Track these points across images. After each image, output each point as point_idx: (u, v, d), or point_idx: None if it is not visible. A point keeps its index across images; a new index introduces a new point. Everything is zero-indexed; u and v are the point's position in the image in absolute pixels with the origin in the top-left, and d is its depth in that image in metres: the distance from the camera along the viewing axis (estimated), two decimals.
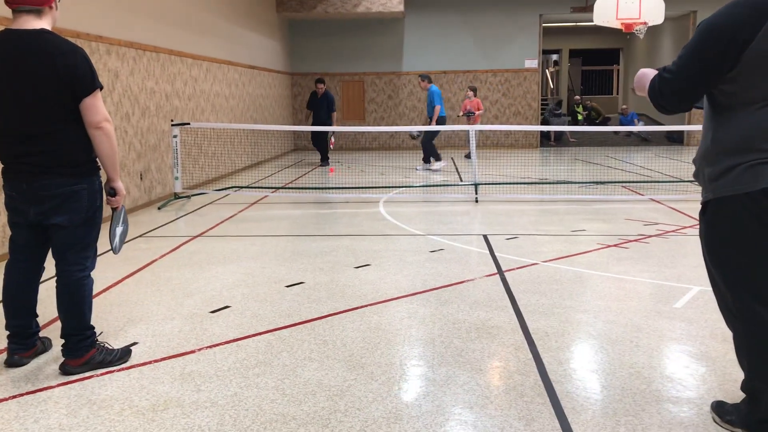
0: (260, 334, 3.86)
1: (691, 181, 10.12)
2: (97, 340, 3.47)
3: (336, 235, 6.71)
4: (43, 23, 3.19)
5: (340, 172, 12.51)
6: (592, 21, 12.05)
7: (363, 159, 15.19)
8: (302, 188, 10.31)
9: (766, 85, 2.22)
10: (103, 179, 3.39)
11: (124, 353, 3.50)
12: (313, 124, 13.79)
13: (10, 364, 3.40)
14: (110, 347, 3.51)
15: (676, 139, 18.03)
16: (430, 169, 12.54)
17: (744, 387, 2.61)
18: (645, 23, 11.59)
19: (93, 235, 3.38)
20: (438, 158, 12.77)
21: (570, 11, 16.29)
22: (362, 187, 9.99)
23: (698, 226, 2.59)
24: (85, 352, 3.36)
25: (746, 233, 2.34)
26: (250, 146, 13.58)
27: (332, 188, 10.26)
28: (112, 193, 3.40)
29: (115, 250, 3.60)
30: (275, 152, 15.81)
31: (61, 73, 3.10)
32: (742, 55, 2.19)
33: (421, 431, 2.71)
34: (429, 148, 12.77)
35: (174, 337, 3.84)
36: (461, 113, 15.10)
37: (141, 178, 8.48)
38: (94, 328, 3.44)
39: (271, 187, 10.23)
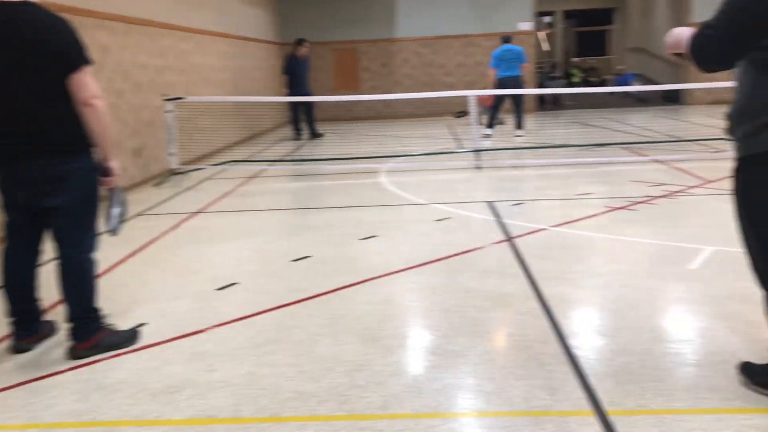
0: (270, 310, 3.78)
1: (693, 140, 10.02)
2: (105, 322, 3.38)
3: (339, 207, 6.61)
4: None
5: (337, 144, 12.35)
6: None
7: (359, 129, 15.03)
8: (301, 160, 10.18)
9: None
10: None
11: (133, 335, 3.42)
12: (294, 93, 12.98)
13: (17, 350, 3.32)
14: (117, 329, 3.42)
15: (672, 98, 17.87)
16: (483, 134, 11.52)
17: None
18: None
19: (91, 215, 3.27)
20: (492, 125, 11.90)
21: None
22: (362, 158, 9.85)
23: (731, 183, 2.48)
24: (93, 335, 3.28)
25: None
26: (245, 119, 13.39)
27: (332, 159, 10.12)
28: (106, 173, 3.27)
29: (114, 232, 3.48)
30: (270, 125, 15.62)
31: (47, 48, 2.96)
32: None
33: (444, 404, 2.65)
34: (490, 113, 11.94)
35: (183, 316, 3.76)
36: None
37: (137, 155, 8.33)
38: (100, 309, 3.35)
39: (269, 160, 10.10)
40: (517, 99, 11.77)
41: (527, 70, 11.73)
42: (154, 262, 4.89)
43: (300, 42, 13.33)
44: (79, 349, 3.25)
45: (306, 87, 13.32)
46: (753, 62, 2.28)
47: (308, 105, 13.34)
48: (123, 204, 3.53)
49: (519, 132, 11.78)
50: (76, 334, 3.25)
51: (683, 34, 2.39)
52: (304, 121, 13.46)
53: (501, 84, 11.62)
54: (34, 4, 3.03)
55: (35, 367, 3.17)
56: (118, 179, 3.33)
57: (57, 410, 2.75)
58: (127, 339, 3.37)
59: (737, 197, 2.43)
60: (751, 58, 2.28)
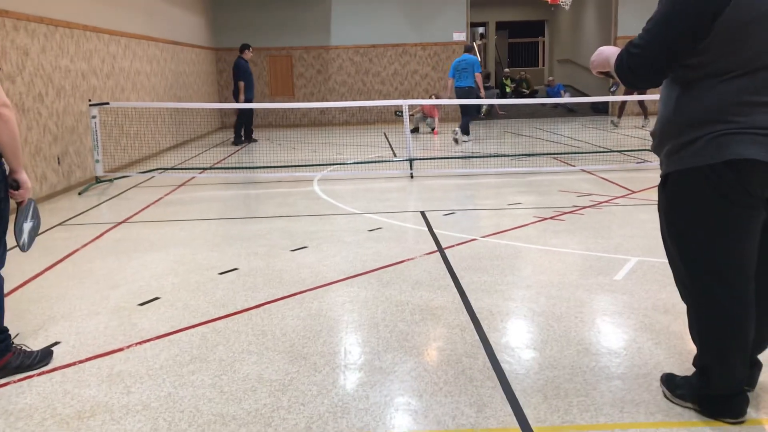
0: (194, 326, 3.64)
1: (619, 151, 10.32)
2: (12, 342, 3.18)
3: (270, 217, 6.48)
4: None
5: (270, 150, 12.18)
6: None
7: (293, 136, 14.87)
8: (232, 168, 9.97)
9: (736, 57, 2.14)
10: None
11: (45, 355, 3.22)
12: (246, 98, 13.05)
13: None
14: (28, 349, 3.22)
15: (601, 109, 18.40)
16: (458, 139, 12.18)
17: (696, 362, 2.59)
18: None
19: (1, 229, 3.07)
20: (467, 132, 12.36)
21: None
22: (295, 166, 9.73)
23: (655, 199, 2.52)
24: (0, 356, 3.08)
25: (707, 208, 2.28)
26: (175, 125, 13.05)
27: (264, 167, 9.96)
28: (15, 185, 3.07)
29: (23, 248, 3.26)
30: (201, 131, 15.29)
31: None
32: (714, 23, 2.10)
33: (371, 424, 2.58)
34: (464, 121, 12.33)
35: (100, 334, 3.58)
36: (413, 111, 14.63)
37: (59, 162, 7.98)
38: (7, 330, 3.15)
39: (199, 168, 9.85)
40: (462, 107, 12.23)
41: (479, 78, 12.15)
42: (73, 276, 4.66)
43: (246, 47, 13.36)
44: None
45: (252, 92, 13.40)
46: (676, 80, 2.31)
47: (251, 110, 13.37)
48: (36, 218, 3.33)
49: (464, 137, 12.24)
50: None
51: (609, 52, 2.41)
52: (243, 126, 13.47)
53: (456, 93, 12.10)
54: None
55: None
56: (29, 192, 3.13)
57: None
58: (38, 360, 3.17)
59: (661, 213, 2.46)
60: (674, 76, 2.31)
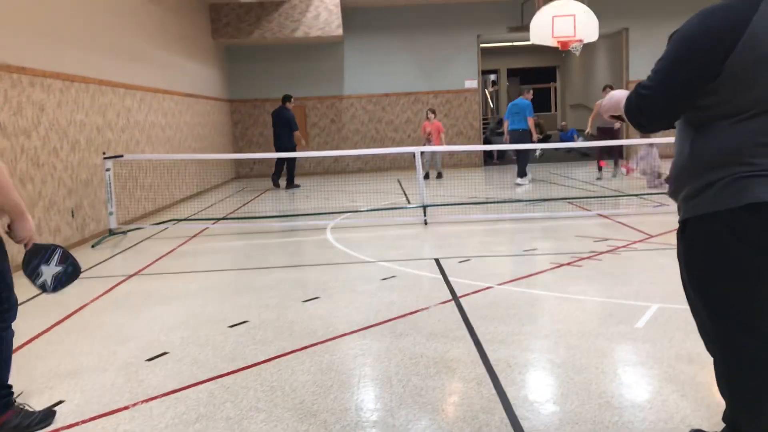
0: (201, 383, 3.54)
1: (635, 195, 10.20)
2: (14, 401, 3.10)
3: (282, 267, 6.41)
4: None
5: (284, 200, 12.18)
6: (528, 40, 12.15)
7: (307, 185, 14.91)
8: (245, 218, 9.96)
9: (749, 96, 2.07)
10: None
11: (46, 416, 3.13)
12: (289, 146, 13.75)
13: None
14: (30, 409, 3.14)
15: (611, 152, 18.32)
16: (519, 184, 12.61)
17: (726, 416, 2.44)
18: (580, 41, 11.74)
19: (2, 289, 3.03)
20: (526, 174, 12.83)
21: (507, 31, 16.47)
22: (308, 214, 9.71)
23: (674, 243, 2.42)
24: (0, 414, 2.99)
25: (729, 254, 2.18)
26: (190, 176, 13.14)
27: (276, 217, 9.94)
28: (14, 236, 3.05)
29: (45, 289, 3.25)
30: (216, 181, 15.39)
31: None
32: (724, 65, 2.04)
33: None
34: (523, 162, 12.82)
35: (106, 391, 3.49)
36: (423, 135, 14.94)
37: (72, 215, 8.00)
38: (10, 387, 3.07)
39: (212, 218, 9.85)
40: (517, 151, 12.86)
41: (531, 122, 12.62)
42: (82, 330, 4.59)
43: (288, 98, 14.07)
44: None
45: (292, 140, 13.98)
46: (690, 122, 2.24)
47: (292, 159, 13.93)
48: (68, 264, 3.28)
49: (519, 180, 12.69)
50: None
51: (619, 95, 2.35)
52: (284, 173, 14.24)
53: (510, 135, 12.72)
54: None
55: None
56: (21, 237, 3.08)
57: None
58: (38, 421, 3.08)
59: (681, 261, 2.36)
60: (687, 118, 2.24)
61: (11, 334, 3.11)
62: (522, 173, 12.81)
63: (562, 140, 19.74)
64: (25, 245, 3.14)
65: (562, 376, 3.42)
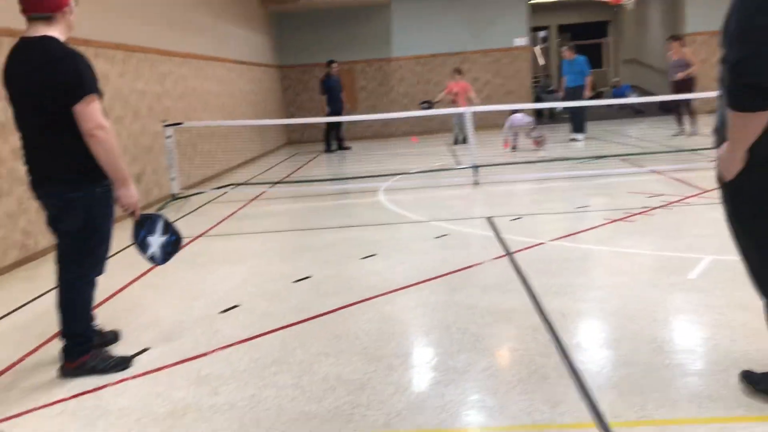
0: (272, 331, 3.80)
1: (689, 150, 10.07)
2: (92, 346, 3.41)
3: (338, 227, 6.64)
4: (53, 30, 3.16)
5: (336, 164, 12.41)
6: None
7: (358, 148, 15.10)
8: (300, 181, 10.22)
9: None
10: None
11: (122, 361, 3.43)
12: (331, 110, 14.17)
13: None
14: (108, 354, 3.46)
15: (670, 108, 17.93)
16: (575, 140, 12.71)
17: None
18: None
19: (92, 244, 3.34)
20: (583, 131, 12.88)
21: None
22: (360, 177, 9.91)
23: (718, 194, 2.51)
24: (79, 357, 3.34)
25: None
26: (244, 142, 13.47)
27: (330, 180, 10.18)
28: (119, 201, 3.34)
29: (156, 261, 3.58)
30: (269, 147, 15.71)
31: (51, 81, 3.08)
32: None
33: (447, 421, 2.66)
34: (581, 117, 12.86)
35: (186, 340, 3.78)
36: (439, 98, 14.58)
37: (137, 182, 8.38)
38: (86, 335, 3.38)
39: (269, 182, 10.15)
40: (570, 108, 12.75)
41: (588, 80, 12.63)
42: (157, 288, 4.92)
43: (331, 62, 14.44)
44: (66, 368, 3.34)
45: (340, 104, 14.44)
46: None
47: (339, 121, 14.22)
48: (170, 233, 3.57)
49: (576, 136, 12.77)
50: (66, 352, 3.35)
51: (722, 152, 2.35)
52: (334, 136, 14.73)
53: (566, 92, 12.75)
54: (47, 39, 3.12)
55: (42, 393, 3.18)
56: (128, 207, 3.37)
57: None
58: (113, 365, 3.38)
59: (727, 207, 2.46)
60: None
61: (91, 286, 3.42)
62: (579, 128, 12.80)
63: (614, 96, 19.37)
64: (132, 215, 3.42)
65: (615, 324, 3.56)
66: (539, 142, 12.01)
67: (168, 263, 3.76)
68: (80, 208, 3.23)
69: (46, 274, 5.23)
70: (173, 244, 3.63)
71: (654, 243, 5.13)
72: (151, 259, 3.61)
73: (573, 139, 12.77)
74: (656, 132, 13.47)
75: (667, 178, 7.99)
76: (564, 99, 12.68)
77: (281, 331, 3.81)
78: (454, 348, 3.37)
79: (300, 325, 3.88)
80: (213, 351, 3.58)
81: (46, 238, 6.08)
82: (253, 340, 3.69)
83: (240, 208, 8.16)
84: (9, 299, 4.81)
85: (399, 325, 3.79)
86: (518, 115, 12.07)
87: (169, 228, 3.62)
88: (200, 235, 6.68)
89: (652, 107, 18.17)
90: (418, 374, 3.13)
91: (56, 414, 2.98)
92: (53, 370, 3.40)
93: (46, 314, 4.26)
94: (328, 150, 14.65)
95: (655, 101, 12.41)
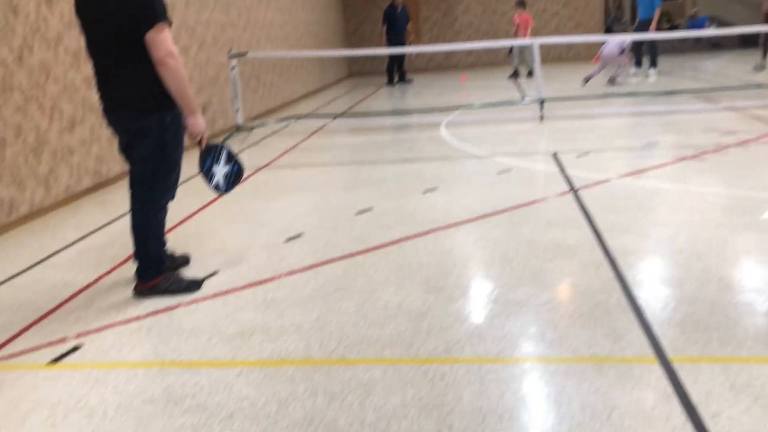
0: (335, 260, 3.89)
1: None
2: (165, 269, 3.57)
3: (400, 161, 6.65)
4: None
5: (397, 97, 12.30)
6: None
7: (420, 81, 14.90)
8: (362, 114, 10.21)
9: None
10: None
11: (193, 284, 3.57)
12: (393, 42, 13.80)
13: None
14: (180, 277, 3.61)
15: (752, 41, 16.95)
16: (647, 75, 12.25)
17: None
18: None
19: (162, 171, 3.44)
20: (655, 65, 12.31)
21: None
22: (422, 110, 9.82)
23: None
24: (152, 278, 3.50)
25: None
26: (306, 74, 13.47)
27: (392, 113, 10.12)
28: (187, 129, 3.43)
29: (219, 190, 3.70)
30: (330, 79, 15.67)
31: (123, 9, 3.13)
32: None
33: (506, 350, 2.70)
34: (653, 51, 12.32)
35: (252, 266, 3.91)
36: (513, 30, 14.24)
37: (203, 112, 8.53)
38: (158, 258, 3.54)
39: (331, 115, 10.18)
40: (644, 42, 12.21)
41: (657, 13, 11.89)
42: (224, 215, 5.07)
43: None
44: (140, 289, 3.51)
45: (402, 36, 14.04)
46: None
47: (400, 53, 14.08)
48: (233, 163, 3.67)
49: (648, 71, 12.21)
50: (139, 274, 3.52)
51: None
52: (396, 68, 14.50)
53: (637, 25, 12.29)
54: None
55: (119, 312, 3.37)
56: (196, 135, 3.45)
57: (141, 351, 2.95)
58: (184, 287, 3.53)
59: None
60: None
61: (163, 211, 3.56)
62: (652, 63, 12.23)
63: (691, 29, 18.41)
64: (199, 143, 3.52)
65: (681, 262, 3.49)
66: (616, 65, 11.33)
67: (233, 192, 3.85)
68: (151, 134, 3.33)
69: (118, 199, 5.44)
70: (236, 174, 3.72)
71: (726, 182, 4.96)
72: (216, 188, 3.71)
73: (646, 75, 12.17)
74: (735, 67, 12.80)
75: (745, 115, 7.63)
76: (636, 31, 12.06)
77: (344, 260, 3.89)
78: (515, 281, 3.39)
79: (362, 255, 3.96)
80: (278, 277, 3.70)
81: (118, 165, 6.30)
82: (316, 268, 3.79)
83: (302, 140, 8.24)
84: (85, 223, 5.05)
85: (460, 257, 3.82)
86: (610, 45, 11.15)
87: (232, 158, 3.70)
88: (264, 166, 6.79)
89: (732, 40, 17.23)
90: (478, 306, 3.16)
91: (133, 331, 3.16)
92: (128, 291, 3.59)
93: (120, 237, 4.46)
94: (390, 83, 14.50)
95: (734, 33, 11.74)
